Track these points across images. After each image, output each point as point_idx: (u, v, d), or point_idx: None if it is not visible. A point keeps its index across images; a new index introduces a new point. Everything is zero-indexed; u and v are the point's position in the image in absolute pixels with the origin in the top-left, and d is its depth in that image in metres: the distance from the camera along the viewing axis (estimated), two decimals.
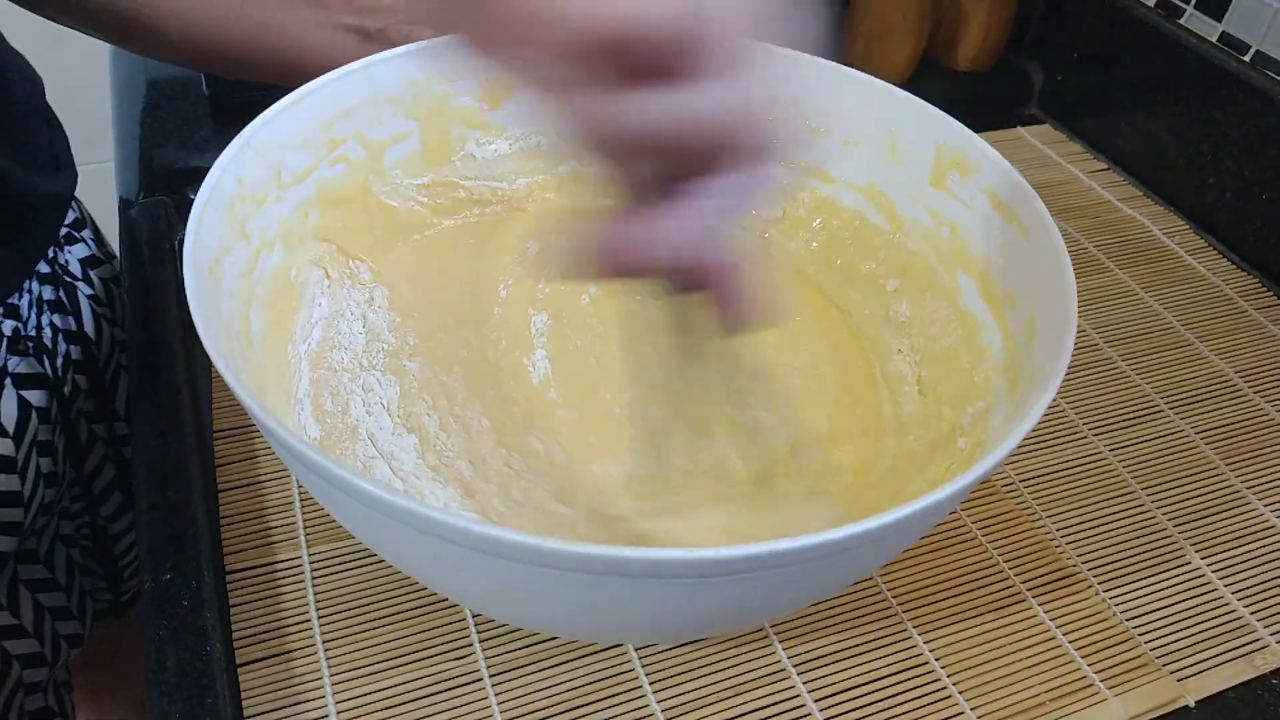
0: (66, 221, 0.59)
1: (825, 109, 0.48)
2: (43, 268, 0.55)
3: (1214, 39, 0.65)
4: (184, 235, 0.35)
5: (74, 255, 0.58)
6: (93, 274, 0.59)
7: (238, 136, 0.40)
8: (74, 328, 0.56)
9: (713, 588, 0.30)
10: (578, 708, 0.39)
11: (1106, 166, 0.71)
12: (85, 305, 0.57)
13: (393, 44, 0.45)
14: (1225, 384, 0.55)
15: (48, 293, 0.55)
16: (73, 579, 0.57)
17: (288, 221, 0.44)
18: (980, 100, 0.78)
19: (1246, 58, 0.63)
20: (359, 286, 0.47)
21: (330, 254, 0.46)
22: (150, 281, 0.53)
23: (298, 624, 0.41)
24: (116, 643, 0.69)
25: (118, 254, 0.65)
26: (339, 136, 0.45)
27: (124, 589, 0.65)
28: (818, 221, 0.51)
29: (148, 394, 0.47)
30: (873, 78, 0.46)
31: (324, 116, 0.44)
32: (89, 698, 0.74)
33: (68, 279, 0.57)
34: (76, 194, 0.64)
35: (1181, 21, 0.67)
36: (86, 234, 0.61)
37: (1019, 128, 0.75)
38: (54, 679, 0.58)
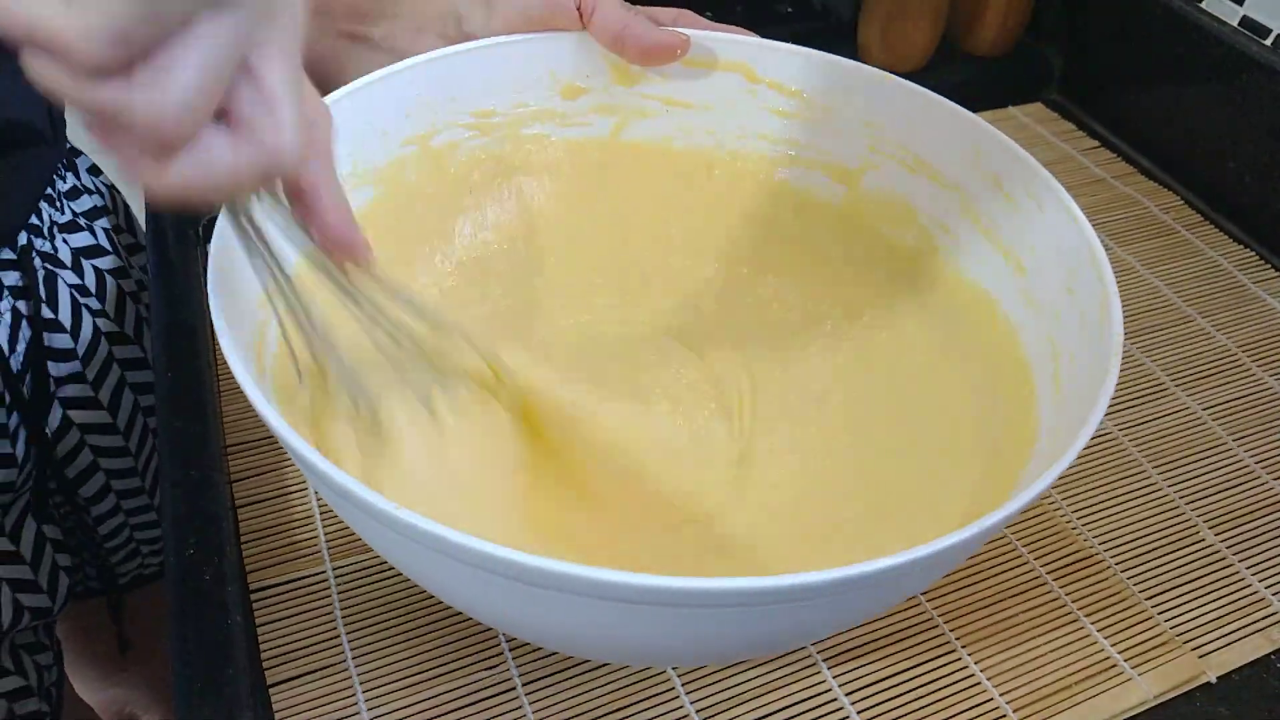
0: (82, 209, 0.60)
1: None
2: (6, 254, 0.54)
3: (1234, 23, 0.65)
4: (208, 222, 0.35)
5: (68, 244, 0.58)
6: (87, 263, 0.59)
7: None
8: (50, 315, 0.56)
9: (736, 616, 0.30)
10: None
11: (1098, 144, 0.72)
12: (65, 293, 0.57)
13: (397, 52, 0.44)
14: (1230, 360, 0.55)
15: (9, 278, 0.54)
16: (41, 553, 0.57)
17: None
18: (998, 84, 0.77)
19: (1268, 41, 0.63)
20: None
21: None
22: (174, 264, 0.53)
23: (326, 640, 0.41)
24: (119, 617, 0.69)
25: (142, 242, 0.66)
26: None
27: (119, 572, 0.66)
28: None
29: (170, 377, 0.47)
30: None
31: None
32: (93, 670, 0.75)
33: (49, 266, 0.56)
34: (108, 182, 0.65)
35: (1202, 4, 0.66)
36: (101, 223, 0.61)
37: (1009, 107, 0.75)
38: (14, 641, 0.58)
